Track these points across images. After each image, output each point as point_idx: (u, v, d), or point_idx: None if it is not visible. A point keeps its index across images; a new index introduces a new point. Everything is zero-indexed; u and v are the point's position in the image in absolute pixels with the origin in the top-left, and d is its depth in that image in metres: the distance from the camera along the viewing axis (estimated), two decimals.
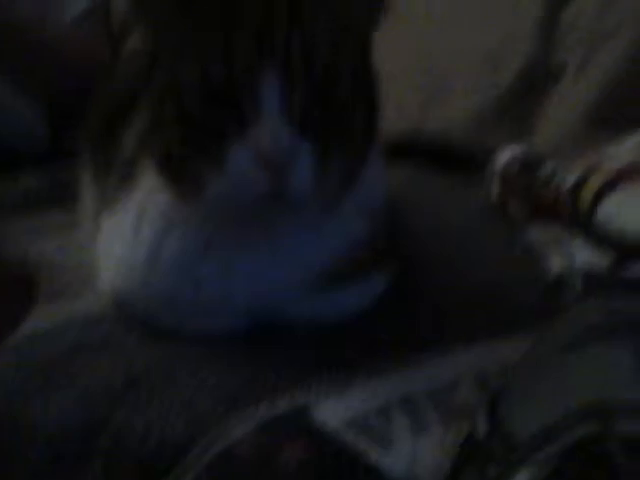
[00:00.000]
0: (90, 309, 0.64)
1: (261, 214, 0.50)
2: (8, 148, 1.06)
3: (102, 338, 0.61)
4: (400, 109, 1.05)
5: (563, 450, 0.39)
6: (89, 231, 0.71)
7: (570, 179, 0.74)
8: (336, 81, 0.46)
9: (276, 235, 0.54)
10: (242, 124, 0.45)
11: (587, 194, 0.71)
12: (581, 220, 0.71)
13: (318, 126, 0.46)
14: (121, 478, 0.52)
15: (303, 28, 0.44)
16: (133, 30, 1.27)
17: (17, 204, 0.92)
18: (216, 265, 0.55)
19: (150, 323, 0.60)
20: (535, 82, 1.07)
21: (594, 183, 0.72)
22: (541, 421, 0.41)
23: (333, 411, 0.50)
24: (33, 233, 0.82)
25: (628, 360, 0.43)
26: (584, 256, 0.67)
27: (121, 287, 0.61)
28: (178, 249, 0.55)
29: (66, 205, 0.83)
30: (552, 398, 0.42)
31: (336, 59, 0.46)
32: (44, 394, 0.57)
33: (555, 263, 0.68)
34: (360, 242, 0.58)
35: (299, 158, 0.45)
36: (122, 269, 0.60)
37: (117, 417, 0.54)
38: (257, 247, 0.54)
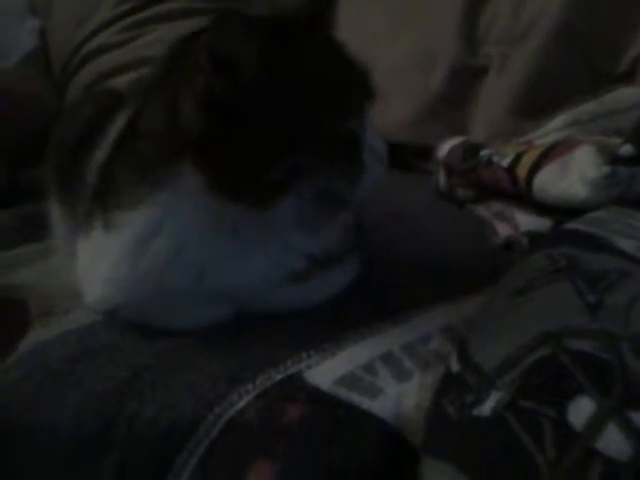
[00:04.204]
0: (82, 321, 0.69)
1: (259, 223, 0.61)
2: None
3: (101, 343, 0.65)
4: None
5: (524, 372, 0.46)
6: (64, 255, 0.76)
7: (506, 161, 0.82)
8: None
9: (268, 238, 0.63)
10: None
11: (522, 172, 0.79)
12: (521, 193, 0.79)
13: None
14: (138, 464, 0.56)
15: None
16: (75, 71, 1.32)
17: None
18: (221, 259, 0.62)
19: (146, 323, 0.65)
20: (463, 82, 1.13)
21: (526, 162, 0.80)
22: (504, 351, 0.48)
23: (324, 374, 0.56)
24: (12, 264, 0.86)
25: (569, 294, 0.50)
26: (527, 221, 0.75)
27: (114, 295, 0.66)
28: (190, 248, 0.62)
29: (36, 236, 0.88)
30: (511, 332, 0.50)
31: None
32: (57, 397, 0.61)
33: (503, 230, 0.76)
34: (337, 239, 0.67)
35: None
36: (120, 277, 0.64)
37: (127, 408, 0.59)
38: (253, 247, 0.63)
